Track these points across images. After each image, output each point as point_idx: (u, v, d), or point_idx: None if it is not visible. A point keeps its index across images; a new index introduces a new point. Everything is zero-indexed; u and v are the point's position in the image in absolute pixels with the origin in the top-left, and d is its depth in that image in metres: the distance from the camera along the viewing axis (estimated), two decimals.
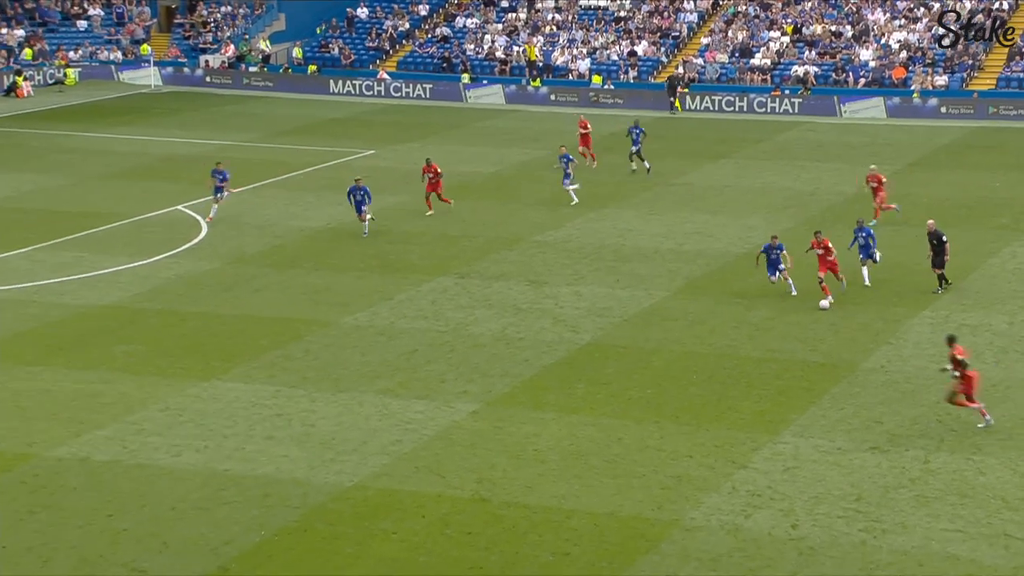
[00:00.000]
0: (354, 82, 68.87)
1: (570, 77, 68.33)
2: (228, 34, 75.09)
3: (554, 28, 72.04)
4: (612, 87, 66.62)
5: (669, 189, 46.90)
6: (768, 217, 42.32)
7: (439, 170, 42.40)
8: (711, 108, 63.61)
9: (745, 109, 63.12)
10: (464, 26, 73.34)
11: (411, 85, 68.02)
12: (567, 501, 22.76)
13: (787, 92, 63.76)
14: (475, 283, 35.31)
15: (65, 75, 70.04)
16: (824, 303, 32.51)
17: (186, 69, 71.99)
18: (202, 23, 76.50)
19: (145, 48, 73.94)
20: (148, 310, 33.25)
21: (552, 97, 66.08)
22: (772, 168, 50.42)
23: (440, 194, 42.24)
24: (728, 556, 20.86)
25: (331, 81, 69.27)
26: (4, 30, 72.16)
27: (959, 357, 25.34)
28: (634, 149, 48.31)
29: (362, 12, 75.37)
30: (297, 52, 72.74)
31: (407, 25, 74.07)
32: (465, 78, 68.40)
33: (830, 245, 32.93)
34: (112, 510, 22.41)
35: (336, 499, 22.85)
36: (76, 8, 76.27)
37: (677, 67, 67.39)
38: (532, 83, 67.40)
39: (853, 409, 26.56)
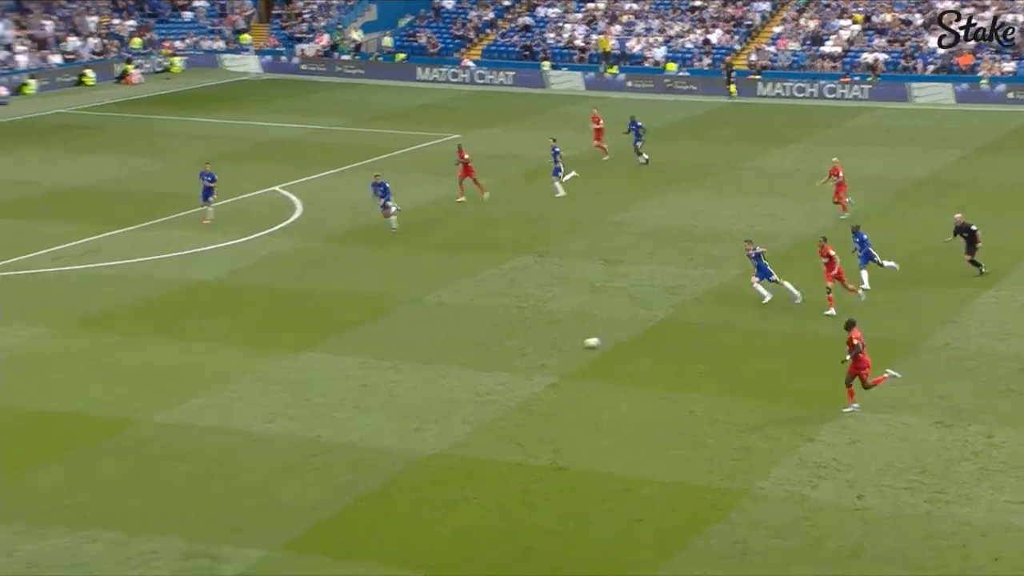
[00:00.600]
0: (440, 69, 68.93)
1: (646, 64, 67.86)
2: (323, 24, 75.52)
3: (632, 17, 71.56)
4: (687, 74, 66.06)
5: (739, 173, 46.42)
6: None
7: (467, 156, 41.63)
8: (782, 94, 62.85)
9: (816, 95, 62.25)
10: (545, 16, 73.09)
11: (494, 72, 67.95)
12: (640, 471, 22.65)
13: (856, 79, 62.78)
14: (553, 262, 35.21)
15: (171, 63, 70.84)
16: (830, 311, 29.90)
17: (283, 57, 72.49)
18: (298, 14, 77.01)
19: (245, 37, 74.60)
20: (244, 286, 33.56)
21: (629, 84, 65.67)
22: (841, 152, 49.59)
23: (474, 179, 41.32)
24: (795, 525, 20.65)
25: (418, 68, 69.39)
26: (116, 21, 73.15)
27: (856, 341, 24.58)
28: (638, 144, 46.95)
29: (448, 3, 75.38)
30: (386, 41, 72.95)
31: (491, 15, 73.97)
32: (545, 66, 68.19)
33: (832, 253, 30.21)
34: (211, 473, 22.68)
35: (420, 466, 22.93)
36: (182, 0, 77.15)
37: (749, 55, 66.65)
38: (608, 70, 67.04)
39: (918, 385, 26.12)
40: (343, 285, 33.59)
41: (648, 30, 70.13)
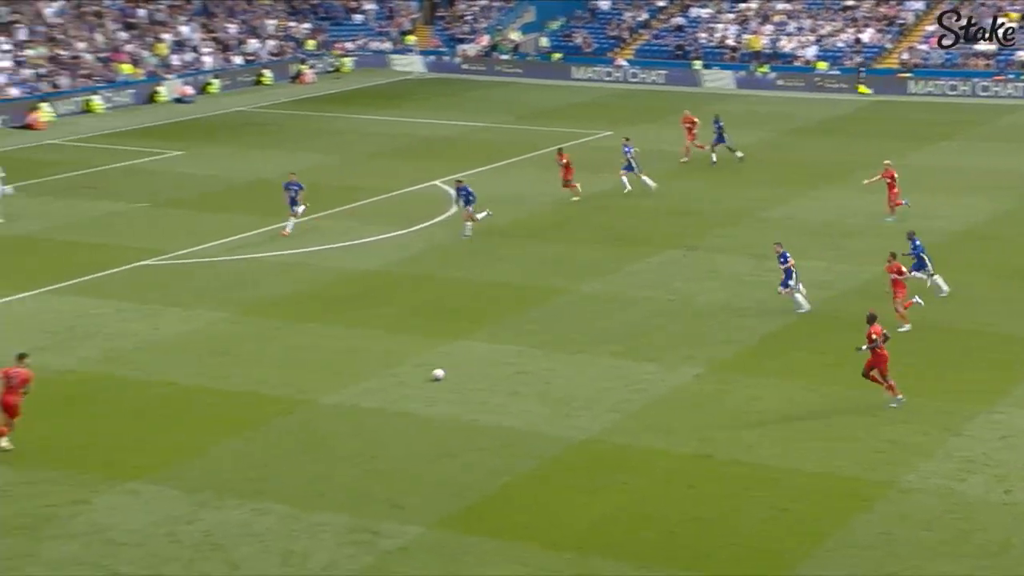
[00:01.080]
0: (594, 69, 68.79)
1: (796, 63, 66.60)
2: (483, 26, 76.07)
3: (784, 17, 70.32)
4: (838, 72, 64.62)
5: None
6: (990, 196, 40.35)
7: (566, 159, 41.20)
8: (934, 92, 61.05)
9: (968, 93, 60.27)
10: (698, 16, 72.33)
11: (647, 71, 67.54)
12: (785, 460, 22.28)
13: (1011, 76, 60.55)
14: (702, 256, 34.84)
15: (341, 63, 72.19)
16: (905, 327, 28.16)
17: (445, 57, 73.22)
18: (460, 16, 77.71)
19: (410, 38, 75.58)
20: (406, 275, 34.01)
21: (779, 82, 64.58)
22: (994, 150, 48.02)
23: (569, 180, 40.97)
24: (941, 518, 20.08)
25: (573, 68, 69.38)
26: (292, 23, 74.90)
27: (875, 336, 23.82)
28: (725, 142, 45.54)
29: (604, 4, 75.18)
30: (543, 41, 73.08)
31: (644, 15, 73.52)
32: (697, 64, 67.49)
33: (904, 270, 28.61)
34: (375, 452, 23.04)
35: (571, 451, 22.95)
36: (353, 3, 78.57)
37: (901, 53, 64.88)
38: (758, 69, 66.02)
39: None
40: (498, 275, 33.79)
41: (800, 29, 68.82)
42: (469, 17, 77.46)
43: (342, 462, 22.64)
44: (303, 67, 69.57)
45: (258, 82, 68.08)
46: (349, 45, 74.31)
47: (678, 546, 19.69)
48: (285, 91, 66.25)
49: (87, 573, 18.92)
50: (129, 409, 25.18)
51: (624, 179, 41.92)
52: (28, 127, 55.73)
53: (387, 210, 40.91)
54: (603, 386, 25.90)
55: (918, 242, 30.70)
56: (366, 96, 64.97)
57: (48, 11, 66.10)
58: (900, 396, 24.29)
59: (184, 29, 69.63)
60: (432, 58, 73.20)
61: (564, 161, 41.36)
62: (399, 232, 38.06)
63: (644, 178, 41.87)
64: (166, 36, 68.13)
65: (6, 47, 61.72)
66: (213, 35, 70.67)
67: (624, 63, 68.77)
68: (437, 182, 44.58)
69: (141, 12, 69.60)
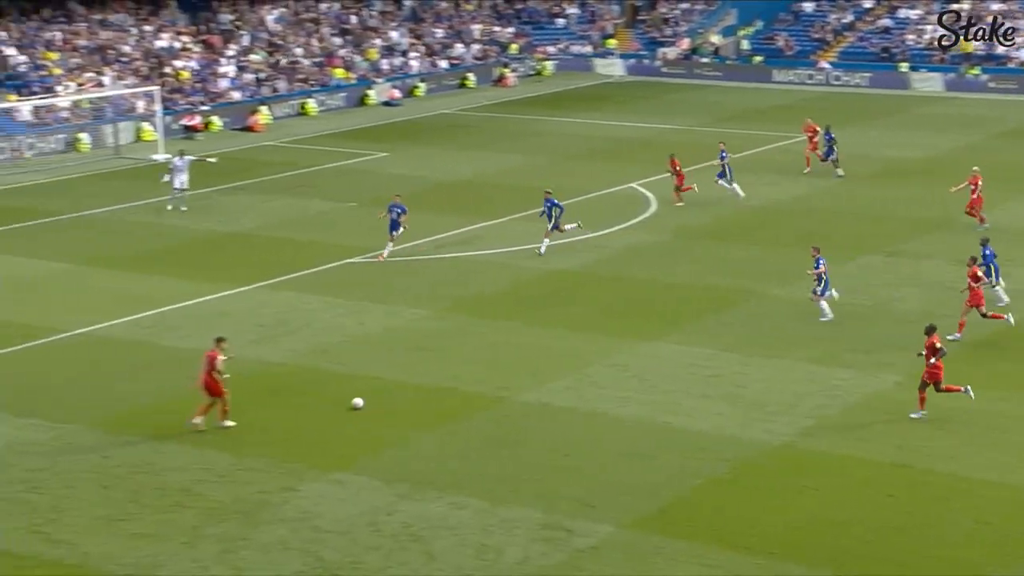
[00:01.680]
0: (796, 72, 67.38)
1: (1010, 65, 63.74)
2: (684, 29, 75.44)
3: (999, 17, 67.37)
4: None
5: None
6: None
7: (679, 166, 40.58)
8: None
9: None
10: (906, 17, 70.01)
11: (850, 74, 65.78)
12: (988, 473, 21.42)
13: None
14: (903, 261, 33.73)
15: (542, 67, 72.70)
16: (955, 336, 27.26)
17: (645, 61, 72.90)
18: (661, 19, 77.26)
19: (611, 42, 75.55)
20: (601, 275, 34.01)
21: (990, 84, 61.97)
22: None
23: (680, 185, 40.47)
24: None
25: (774, 71, 68.13)
26: (496, 28, 75.86)
27: (937, 345, 22.81)
28: (832, 156, 43.56)
29: (808, 6, 73.56)
30: (744, 44, 71.98)
31: (850, 17, 71.60)
32: (903, 67, 65.34)
33: (980, 274, 27.68)
34: (567, 451, 23.10)
35: (764, 455, 22.57)
36: (556, 8, 79.05)
37: None
38: (968, 71, 63.47)
39: None
40: (692, 277, 33.47)
41: (1014, 30, 65.83)
42: (671, 20, 76.92)
43: (535, 459, 22.79)
44: (505, 70, 70.33)
45: (462, 85, 69.15)
46: (551, 49, 74.74)
47: (874, 555, 19.14)
48: (487, 94, 67.06)
49: (294, 558, 19.54)
50: (334, 401, 25.90)
51: (735, 187, 40.87)
52: (248, 129, 58.09)
53: (585, 211, 40.92)
54: (798, 391, 25.38)
55: (989, 250, 29.44)
56: (566, 99, 65.24)
57: (269, 18, 68.75)
58: (924, 411, 23.59)
59: (394, 34, 71.33)
60: (632, 61, 72.99)
61: (676, 168, 40.83)
62: (595, 233, 38.08)
63: (734, 185, 40.89)
64: (377, 41, 69.94)
65: (230, 53, 64.46)
66: (421, 40, 72.19)
67: (827, 65, 67.14)
68: (634, 184, 44.46)
69: (354, 18, 71.66)
